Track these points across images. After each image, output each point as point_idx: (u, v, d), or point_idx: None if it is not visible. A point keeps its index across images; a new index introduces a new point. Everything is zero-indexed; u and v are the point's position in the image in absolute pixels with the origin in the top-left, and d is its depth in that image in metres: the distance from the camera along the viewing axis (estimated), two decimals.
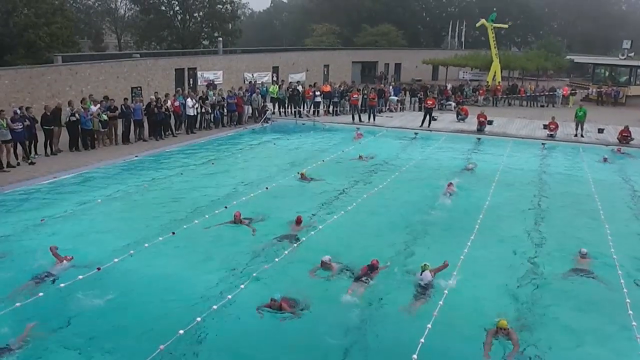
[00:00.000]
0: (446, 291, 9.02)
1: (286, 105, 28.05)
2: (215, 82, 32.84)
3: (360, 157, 19.10)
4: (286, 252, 10.61)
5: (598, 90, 39.19)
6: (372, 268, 9.79)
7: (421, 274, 9.52)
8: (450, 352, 7.57)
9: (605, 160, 20.01)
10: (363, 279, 9.52)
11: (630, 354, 7.85)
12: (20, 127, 16.52)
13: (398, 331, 8.06)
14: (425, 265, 9.59)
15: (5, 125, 16.04)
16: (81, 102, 19.62)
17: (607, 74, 42.97)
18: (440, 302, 8.59)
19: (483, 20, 42.22)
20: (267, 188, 15.09)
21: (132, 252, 10.30)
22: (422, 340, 7.44)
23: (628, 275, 10.21)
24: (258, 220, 12.38)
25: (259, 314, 8.22)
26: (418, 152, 21.15)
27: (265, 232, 11.84)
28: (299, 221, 12.17)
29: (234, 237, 11.52)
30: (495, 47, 41.07)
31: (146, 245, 10.67)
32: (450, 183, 15.71)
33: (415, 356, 7.11)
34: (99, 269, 9.49)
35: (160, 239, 11.07)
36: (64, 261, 9.81)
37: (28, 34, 33.14)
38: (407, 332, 7.89)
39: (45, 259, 9.81)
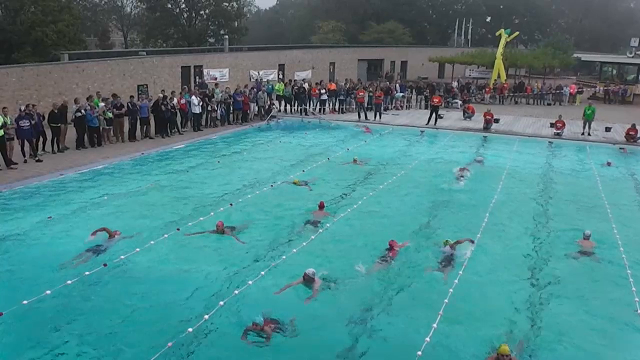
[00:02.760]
0: (451, 289, 9.00)
1: (292, 103, 28.08)
2: (206, 82, 31.43)
3: (355, 160, 18.20)
4: (295, 250, 10.61)
5: (605, 88, 38.99)
6: (390, 249, 10.59)
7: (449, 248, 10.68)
8: (454, 351, 7.54)
9: (609, 164, 19.18)
10: (383, 258, 10.28)
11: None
12: (27, 124, 16.59)
13: (403, 329, 8.05)
14: (447, 240, 10.84)
15: (9, 122, 16.11)
16: (87, 99, 19.68)
17: (614, 72, 42.73)
18: (446, 300, 8.58)
19: (501, 30, 41.54)
20: (271, 185, 15.10)
21: (138, 249, 10.33)
22: (428, 339, 7.44)
23: (633, 266, 10.37)
24: (242, 229, 11.74)
25: (245, 341, 7.58)
26: (424, 150, 21.11)
27: (271, 228, 11.88)
28: (321, 206, 12.78)
29: (240, 233, 11.52)
30: (502, 48, 40.66)
31: (152, 242, 10.70)
32: (465, 168, 17.21)
33: (419, 353, 7.10)
34: (105, 265, 9.53)
35: (166, 235, 11.10)
36: (115, 235, 10.89)
37: (35, 31, 33.32)
38: (413, 331, 7.89)
39: (50, 256, 9.85)
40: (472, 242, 11.14)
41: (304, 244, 10.93)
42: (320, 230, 11.71)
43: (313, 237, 11.35)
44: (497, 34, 42.34)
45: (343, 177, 16.37)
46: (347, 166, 17.79)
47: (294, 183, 15.28)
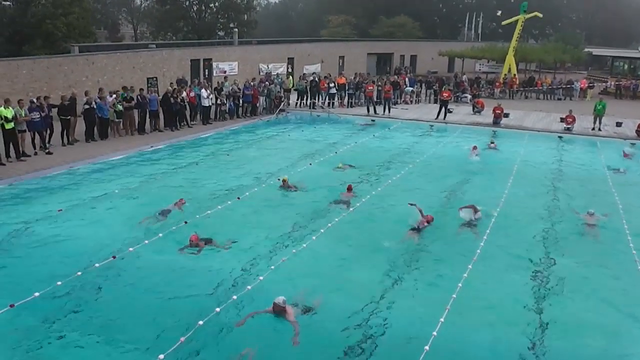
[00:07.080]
0: (460, 284, 8.98)
1: (303, 97, 28.08)
2: (186, 79, 28.84)
3: (340, 166, 16.81)
4: (317, 233, 10.68)
5: (616, 83, 38.70)
6: (428, 220, 11.67)
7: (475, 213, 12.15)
8: (460, 346, 7.54)
9: (620, 171, 17.83)
10: (418, 228, 11.36)
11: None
12: (38, 116, 16.68)
13: (410, 324, 8.03)
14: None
15: (23, 114, 16.20)
16: (99, 91, 19.75)
17: (626, 67, 42.39)
18: (454, 295, 8.57)
19: (520, 17, 40.16)
20: (278, 179, 15.09)
21: (146, 241, 10.38)
22: (435, 333, 7.44)
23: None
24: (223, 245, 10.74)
25: None
26: (433, 144, 21.05)
27: (278, 223, 11.85)
28: (349, 189, 13.86)
29: (246, 227, 11.55)
30: (516, 41, 40.15)
31: (160, 235, 10.75)
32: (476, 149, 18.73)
33: (427, 347, 7.11)
34: (114, 257, 9.59)
35: (174, 228, 11.15)
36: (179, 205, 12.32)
37: (45, 24, 33.46)
38: (420, 325, 7.88)
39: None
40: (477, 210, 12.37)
41: (323, 230, 10.97)
42: (344, 214, 12.30)
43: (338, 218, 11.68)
44: (511, 21, 40.90)
45: (344, 176, 16.36)
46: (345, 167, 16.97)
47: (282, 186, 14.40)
